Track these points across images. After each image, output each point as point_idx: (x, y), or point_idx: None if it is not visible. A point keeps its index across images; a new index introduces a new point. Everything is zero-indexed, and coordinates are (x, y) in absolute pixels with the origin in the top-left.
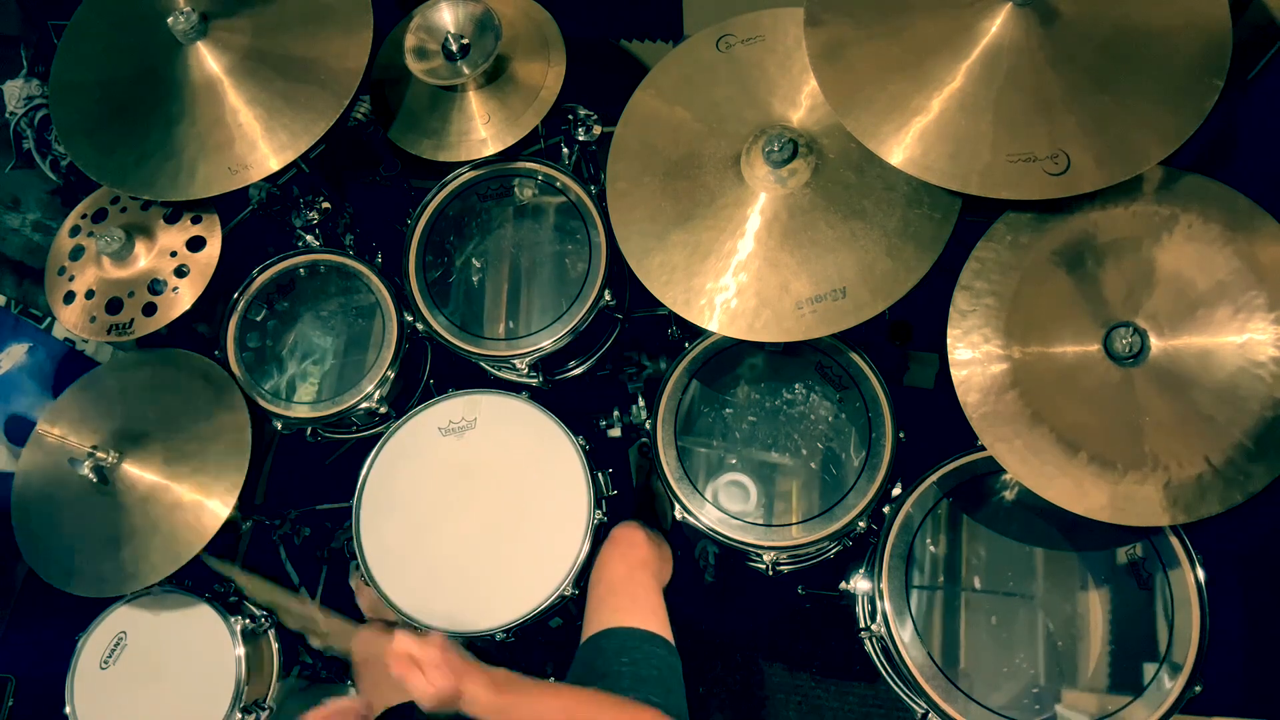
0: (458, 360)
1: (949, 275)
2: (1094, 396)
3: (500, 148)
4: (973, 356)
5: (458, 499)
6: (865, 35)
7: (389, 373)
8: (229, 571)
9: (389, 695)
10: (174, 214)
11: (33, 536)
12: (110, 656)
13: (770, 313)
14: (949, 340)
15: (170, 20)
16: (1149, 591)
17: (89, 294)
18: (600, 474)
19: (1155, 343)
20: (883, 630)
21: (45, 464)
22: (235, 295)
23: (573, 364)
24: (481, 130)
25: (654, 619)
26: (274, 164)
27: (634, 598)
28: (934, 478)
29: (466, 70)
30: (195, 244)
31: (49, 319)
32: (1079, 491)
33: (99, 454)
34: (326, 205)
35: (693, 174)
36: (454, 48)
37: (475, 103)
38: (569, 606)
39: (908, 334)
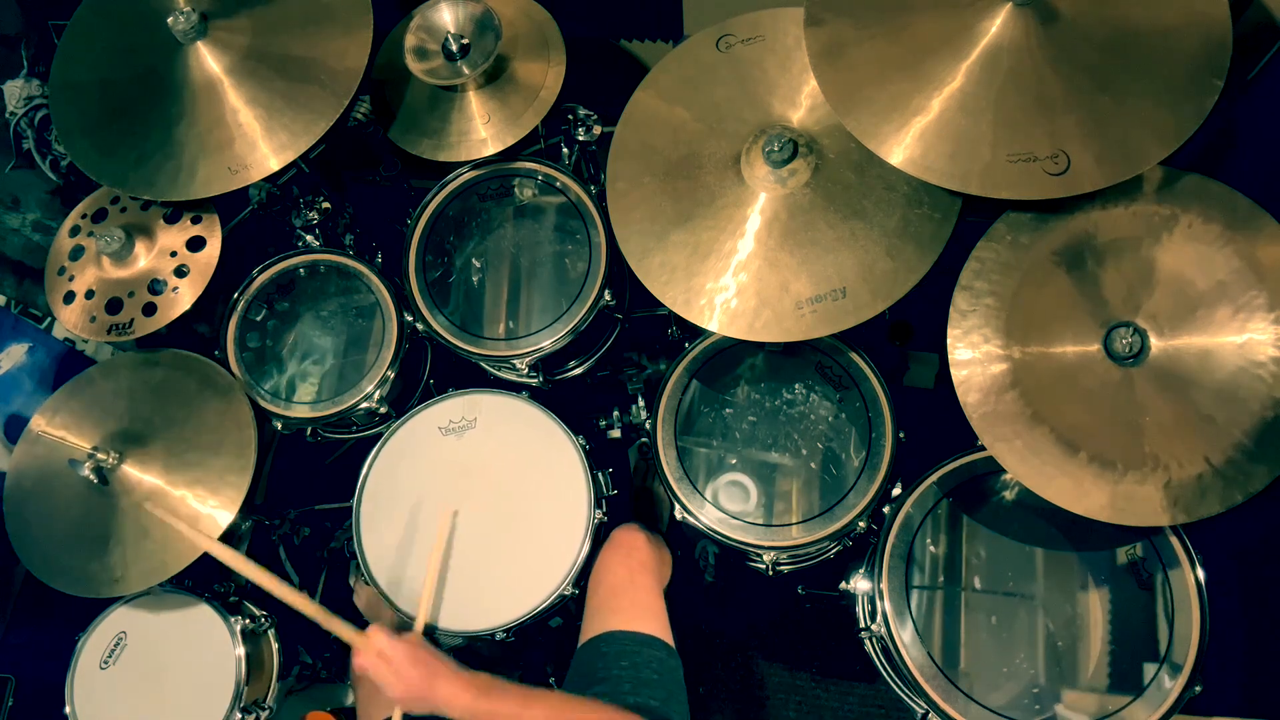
0: (458, 360)
1: (949, 275)
2: (1094, 396)
3: (500, 148)
4: (973, 356)
5: (458, 499)
6: (865, 35)
7: (389, 373)
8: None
9: (386, 705)
10: (174, 214)
11: (23, 528)
12: (110, 656)
13: (770, 313)
14: (949, 340)
15: (170, 20)
16: (1149, 591)
17: (89, 294)
18: (600, 474)
19: (1155, 343)
20: (883, 630)
21: (38, 459)
22: (235, 295)
23: (573, 364)
24: (481, 130)
25: (655, 622)
26: (274, 164)
27: (635, 600)
28: (934, 478)
29: (466, 70)
30: (195, 244)
31: (49, 319)
32: (1079, 491)
33: (99, 455)
34: (326, 205)
35: (693, 174)
36: (454, 48)
37: (475, 103)
38: (569, 606)
39: (908, 334)
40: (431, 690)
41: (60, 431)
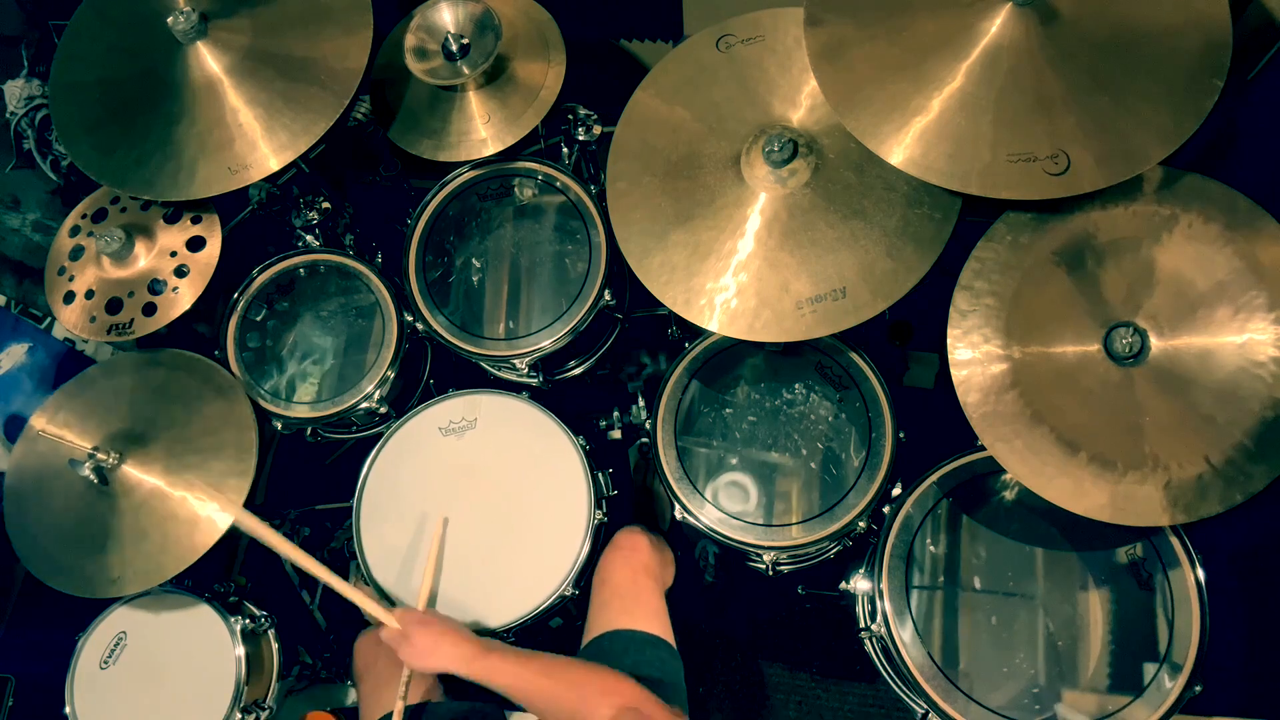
0: (458, 360)
1: (949, 275)
2: (1094, 396)
3: (500, 148)
4: (973, 356)
5: (458, 499)
6: (865, 35)
7: (389, 373)
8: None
9: (387, 702)
10: (174, 214)
11: (23, 528)
12: (110, 656)
13: (770, 313)
14: (949, 340)
15: (170, 20)
16: (1149, 591)
17: (89, 294)
18: (600, 474)
19: (1155, 343)
20: (883, 630)
21: (38, 458)
22: (235, 295)
23: (573, 364)
24: (481, 130)
25: (656, 622)
26: (274, 164)
27: (637, 601)
28: (934, 478)
29: (466, 70)
30: (195, 244)
31: (49, 319)
32: (1079, 491)
33: (99, 455)
34: (326, 205)
35: (693, 174)
36: (454, 48)
37: (475, 103)
38: (569, 607)
39: (908, 334)
40: (438, 649)
41: (60, 431)
